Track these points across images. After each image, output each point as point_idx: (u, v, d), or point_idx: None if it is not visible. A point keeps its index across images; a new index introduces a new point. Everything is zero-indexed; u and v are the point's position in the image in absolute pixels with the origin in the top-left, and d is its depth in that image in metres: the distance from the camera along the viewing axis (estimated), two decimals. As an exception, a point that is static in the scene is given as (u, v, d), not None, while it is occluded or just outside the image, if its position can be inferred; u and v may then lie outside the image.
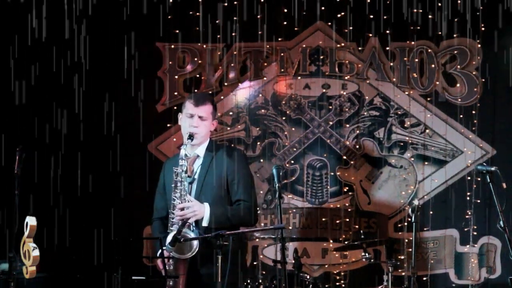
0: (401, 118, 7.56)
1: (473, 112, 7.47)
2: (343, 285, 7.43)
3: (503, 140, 7.39)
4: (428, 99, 7.53)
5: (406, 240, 7.33)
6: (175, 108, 7.47)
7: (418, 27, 7.44)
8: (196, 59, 7.61)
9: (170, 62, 7.60)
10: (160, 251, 5.60)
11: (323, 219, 7.52)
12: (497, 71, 7.41)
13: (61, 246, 7.09)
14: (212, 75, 7.61)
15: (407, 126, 7.55)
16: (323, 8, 7.48)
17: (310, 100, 7.61)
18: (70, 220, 7.20)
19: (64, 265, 7.04)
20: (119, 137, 7.45)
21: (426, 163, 7.53)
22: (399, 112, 7.56)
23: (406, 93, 7.56)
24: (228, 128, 7.60)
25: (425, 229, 7.43)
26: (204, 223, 5.70)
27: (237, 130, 7.61)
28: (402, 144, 7.55)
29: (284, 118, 7.59)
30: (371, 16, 7.44)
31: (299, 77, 7.61)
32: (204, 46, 7.57)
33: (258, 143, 7.59)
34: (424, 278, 7.38)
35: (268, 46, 7.57)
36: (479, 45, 7.47)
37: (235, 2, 7.45)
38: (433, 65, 7.54)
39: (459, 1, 7.35)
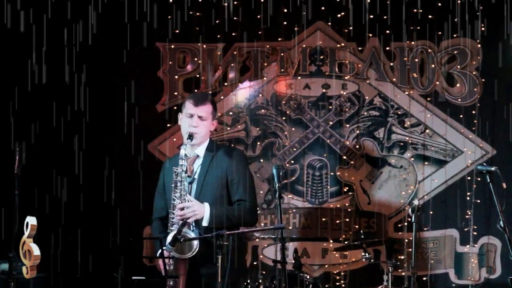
0: (401, 118, 7.56)
1: (473, 112, 7.48)
2: (343, 285, 7.43)
3: (503, 140, 7.39)
4: (428, 99, 7.53)
5: (406, 240, 7.33)
6: (175, 108, 7.48)
7: (418, 27, 7.44)
8: (196, 59, 7.61)
9: (170, 62, 7.60)
10: (160, 251, 5.60)
11: (323, 219, 7.52)
12: (497, 71, 7.40)
13: (61, 246, 7.09)
14: (212, 75, 7.61)
15: (407, 126, 7.55)
16: (323, 8, 7.48)
17: (310, 100, 7.61)
18: (71, 220, 7.20)
19: (64, 265, 7.04)
20: (119, 137, 7.46)
21: (426, 163, 7.53)
22: (399, 112, 7.56)
23: (406, 93, 7.56)
24: (228, 128, 7.60)
25: (425, 229, 7.43)
26: (204, 223, 5.70)
27: (237, 130, 7.61)
28: (402, 144, 7.55)
29: (284, 118, 7.59)
30: (371, 16, 7.44)
31: (299, 77, 7.61)
32: (204, 46, 7.57)
33: (258, 143, 7.59)
34: (424, 278, 7.38)
35: (268, 46, 7.57)
36: (479, 45, 7.47)
37: (235, 2, 7.45)
38: (433, 65, 7.54)
39: (459, 1, 7.35)
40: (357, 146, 7.55)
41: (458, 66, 7.54)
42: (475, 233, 7.39)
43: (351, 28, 7.50)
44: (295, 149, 7.59)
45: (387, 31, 7.47)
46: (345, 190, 7.53)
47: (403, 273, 7.12)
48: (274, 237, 7.45)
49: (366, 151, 7.56)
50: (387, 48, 7.55)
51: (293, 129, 7.59)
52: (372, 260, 6.83)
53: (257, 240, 7.50)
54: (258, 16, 7.45)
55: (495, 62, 7.40)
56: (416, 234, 6.48)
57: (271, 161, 7.54)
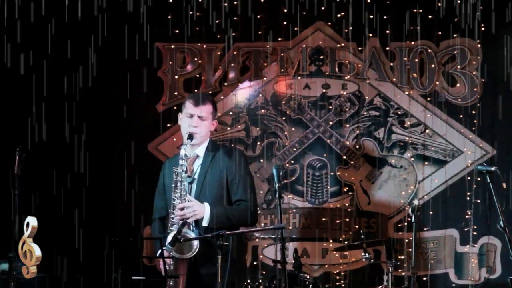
0: (401, 118, 7.56)
1: (473, 112, 7.48)
2: (343, 285, 7.43)
3: (503, 140, 7.39)
4: (428, 99, 7.53)
5: (406, 240, 7.33)
6: (175, 108, 7.47)
7: (418, 27, 7.44)
8: (196, 59, 7.61)
9: (170, 62, 7.60)
10: (160, 251, 5.60)
11: (323, 219, 7.52)
12: (497, 71, 7.40)
13: (61, 246, 7.09)
14: (212, 75, 7.61)
15: (407, 126, 7.55)
16: (323, 8, 7.48)
17: (310, 100, 7.61)
18: (70, 220, 7.20)
19: (64, 265, 7.04)
20: (119, 137, 7.46)
21: (426, 163, 7.53)
22: (399, 112, 7.56)
23: (406, 93, 7.56)
24: (228, 128, 7.60)
25: (425, 229, 7.43)
26: (204, 223, 5.70)
27: (237, 130, 7.61)
28: (402, 144, 7.55)
29: (284, 118, 7.59)
30: (371, 16, 7.44)
31: (299, 77, 7.61)
32: (204, 46, 7.57)
33: (258, 143, 7.59)
34: (424, 278, 7.38)
35: (268, 46, 7.57)
36: (479, 45, 7.47)
37: (235, 2, 7.45)
38: (433, 65, 7.54)
39: (459, 1, 7.35)
40: (357, 146, 7.55)
41: (458, 66, 7.54)
42: (475, 233, 7.39)
43: (351, 28, 7.50)
44: (295, 149, 7.59)
45: (387, 31, 7.47)
46: (345, 190, 7.53)
47: (403, 273, 7.12)
48: (274, 237, 7.45)
49: (366, 151, 7.56)
50: (387, 48, 7.55)
51: (293, 129, 7.59)
52: (372, 260, 6.83)
53: (257, 240, 7.50)
54: (258, 16, 7.45)
55: (495, 62, 7.40)
56: (416, 234, 6.47)
57: (271, 161, 7.54)
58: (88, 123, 7.35)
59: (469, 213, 7.39)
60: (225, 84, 7.62)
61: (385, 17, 7.43)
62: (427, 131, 7.54)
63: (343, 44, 7.57)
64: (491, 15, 7.30)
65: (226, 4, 7.47)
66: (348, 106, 7.58)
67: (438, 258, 7.47)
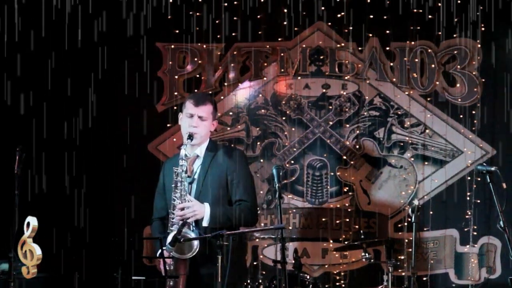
0: (401, 118, 7.56)
1: (473, 112, 7.47)
2: (343, 285, 7.43)
3: (503, 140, 7.39)
4: (428, 99, 7.53)
5: (406, 240, 7.33)
6: (175, 108, 7.48)
7: (418, 27, 7.44)
8: (196, 59, 7.61)
9: (170, 62, 7.60)
10: (160, 251, 5.60)
11: (323, 219, 7.52)
12: (497, 71, 7.40)
13: (61, 246, 7.09)
14: (212, 75, 7.61)
15: (407, 126, 7.55)
16: (323, 8, 7.48)
17: (310, 100, 7.61)
18: (70, 220, 7.19)
19: (64, 265, 7.04)
20: (119, 137, 7.46)
21: (426, 163, 7.52)
22: (399, 112, 7.56)
23: (406, 93, 7.56)
24: (228, 128, 7.60)
25: (425, 229, 7.43)
26: (204, 223, 5.70)
27: (237, 130, 7.61)
28: (402, 144, 7.55)
29: (284, 118, 7.59)
30: (371, 16, 7.44)
31: (299, 77, 7.61)
32: (204, 46, 7.57)
33: (258, 143, 7.58)
34: (424, 278, 7.38)
35: (268, 46, 7.57)
36: (479, 45, 7.47)
37: (235, 2, 7.46)
38: (433, 65, 7.53)
39: (459, 1, 7.35)
40: (357, 146, 7.55)
41: (458, 66, 7.53)
42: (475, 233, 7.39)
43: (351, 28, 7.50)
44: (295, 149, 7.59)
45: (387, 31, 7.47)
46: (345, 190, 7.53)
47: (403, 273, 7.12)
48: (274, 237, 7.45)
49: (366, 151, 7.56)
50: (387, 48, 7.55)
51: (293, 129, 7.59)
52: (372, 260, 6.82)
53: (257, 240, 7.50)
54: (258, 16, 7.45)
55: (495, 62, 7.40)
56: (416, 234, 6.47)
57: (271, 161, 7.54)
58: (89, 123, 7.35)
59: (469, 213, 7.39)
60: (225, 84, 7.62)
61: (385, 17, 7.43)
62: (427, 131, 7.54)
63: (343, 44, 7.57)
64: (491, 15, 7.29)
65: (226, 4, 7.47)
66: (348, 106, 7.58)
67: (438, 258, 7.47)
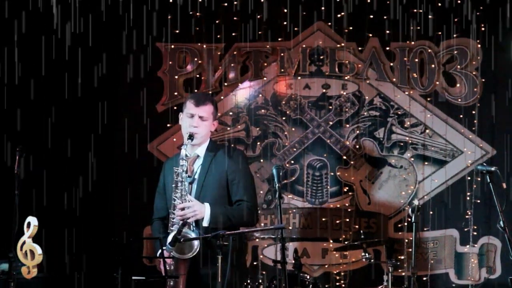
0: (401, 118, 7.56)
1: (473, 112, 7.48)
2: (343, 285, 7.43)
3: (503, 140, 7.39)
4: (428, 99, 7.53)
5: (406, 240, 7.33)
6: (175, 108, 7.48)
7: (418, 27, 7.44)
8: (196, 59, 7.61)
9: (170, 62, 7.60)
10: (160, 251, 5.60)
11: (323, 219, 7.52)
12: (497, 71, 7.40)
13: (61, 246, 7.09)
14: (212, 75, 7.61)
15: (407, 126, 7.55)
16: (323, 8, 7.48)
17: (310, 100, 7.61)
18: (70, 220, 7.20)
19: (64, 265, 7.04)
20: (119, 137, 7.46)
21: (426, 163, 7.52)
22: (399, 112, 7.56)
23: (406, 93, 7.56)
24: (228, 128, 7.59)
25: (425, 229, 7.43)
26: (205, 223, 5.70)
27: (237, 130, 7.61)
28: (402, 144, 7.55)
29: (284, 118, 7.59)
30: (371, 16, 7.44)
31: (299, 77, 7.61)
32: (204, 46, 7.57)
33: (258, 143, 7.58)
34: (424, 278, 7.38)
35: (268, 46, 7.57)
36: (479, 45, 7.47)
37: (235, 2, 7.45)
38: (433, 65, 7.53)
39: (459, 1, 7.35)
40: (357, 146, 7.55)
41: (458, 66, 7.54)
42: (475, 233, 7.39)
43: (351, 28, 7.50)
44: (295, 149, 7.59)
45: (387, 31, 7.47)
46: (345, 190, 7.53)
47: (403, 273, 7.12)
48: (274, 237, 7.45)
49: (366, 151, 7.56)
50: (387, 48, 7.55)
51: (293, 129, 7.59)
52: (372, 260, 6.82)
53: (257, 240, 7.50)
54: (258, 16, 7.46)
55: (495, 62, 7.40)
56: (416, 234, 6.47)
57: (271, 161, 7.54)
58: (88, 123, 7.36)
59: (469, 213, 7.39)
60: (225, 84, 7.62)
61: (385, 17, 7.43)
62: (427, 131, 7.54)
63: (343, 44, 7.57)
64: (491, 15, 7.29)
65: (226, 4, 7.47)
66: (348, 106, 7.58)
67: (438, 258, 7.47)
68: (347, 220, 7.48)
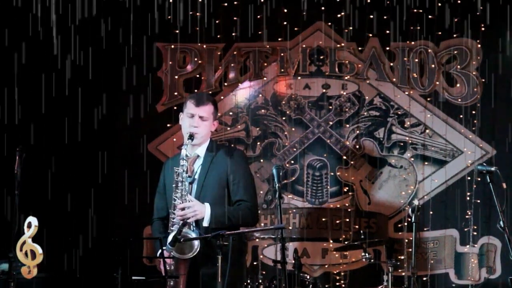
0: (401, 118, 7.56)
1: (473, 112, 7.48)
2: (343, 285, 7.43)
3: (503, 140, 7.39)
4: (428, 99, 7.53)
5: (406, 240, 7.33)
6: (175, 108, 7.48)
7: (418, 27, 7.44)
8: (196, 59, 7.61)
9: (170, 62, 7.60)
10: (160, 251, 5.60)
11: (323, 219, 7.52)
12: (497, 71, 7.40)
13: (61, 246, 7.09)
14: (212, 75, 7.61)
15: (407, 126, 7.55)
16: (323, 8, 7.48)
17: (310, 100, 7.61)
18: (70, 220, 7.20)
19: (64, 265, 7.04)
20: (119, 137, 7.46)
21: (426, 163, 7.52)
22: (399, 112, 7.56)
23: (406, 93, 7.56)
24: (228, 128, 7.59)
25: (425, 229, 7.43)
26: (205, 223, 5.69)
27: (237, 130, 7.61)
28: (402, 144, 7.55)
29: (284, 118, 7.59)
30: (371, 16, 7.44)
31: (299, 77, 7.61)
32: (204, 46, 7.57)
33: (258, 143, 7.58)
34: (424, 278, 7.38)
35: (268, 46, 7.57)
36: (479, 45, 7.47)
37: (235, 2, 7.46)
38: (433, 65, 7.54)
39: (459, 1, 7.35)
40: (357, 146, 7.55)
41: (458, 66, 7.54)
42: (475, 233, 7.39)
43: (351, 28, 7.50)
44: (295, 149, 7.59)
45: (387, 31, 7.47)
46: (345, 190, 7.53)
47: (403, 273, 7.12)
48: (274, 237, 7.45)
49: (366, 151, 7.56)
50: (387, 48, 7.55)
51: (293, 129, 7.59)
52: (372, 260, 6.82)
53: (257, 240, 7.50)
54: (258, 16, 7.45)
55: (495, 62, 7.40)
56: (416, 234, 6.47)
57: (271, 161, 7.54)
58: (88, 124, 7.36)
59: (469, 213, 7.39)
60: (225, 84, 7.62)
61: (385, 17, 7.43)
62: (427, 131, 7.54)
63: (343, 44, 7.57)
64: (491, 15, 7.29)
65: (226, 4, 7.47)
66: (348, 106, 7.58)
67: (438, 258, 7.47)
68: (347, 220, 7.48)
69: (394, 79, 7.56)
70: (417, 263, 6.77)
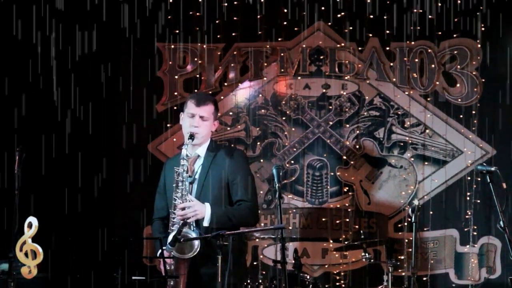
0: (401, 118, 7.56)
1: (473, 112, 7.48)
2: (343, 285, 7.43)
3: (503, 140, 7.39)
4: (428, 99, 7.53)
5: (406, 240, 7.33)
6: (175, 108, 7.48)
7: (418, 27, 7.44)
8: (196, 59, 7.61)
9: (170, 62, 7.60)
10: (160, 251, 5.60)
11: (323, 219, 7.52)
12: (497, 71, 7.40)
13: (61, 246, 7.09)
14: (212, 75, 7.61)
15: (407, 126, 7.55)
16: (323, 8, 7.48)
17: (310, 100, 7.61)
18: (70, 220, 7.20)
19: (64, 265, 7.04)
20: (119, 137, 7.46)
21: (426, 163, 7.52)
22: (399, 112, 7.56)
23: (406, 93, 7.56)
24: (228, 128, 7.60)
25: (425, 229, 7.43)
26: (205, 223, 5.69)
27: (237, 130, 7.61)
28: (402, 144, 7.55)
29: (284, 118, 7.59)
30: (371, 16, 7.44)
31: (299, 77, 7.61)
32: (204, 46, 7.57)
33: (258, 143, 7.58)
34: (424, 278, 7.37)
35: (268, 46, 7.57)
36: (479, 45, 7.47)
37: (235, 2, 7.45)
38: (433, 65, 7.54)
39: (459, 1, 7.35)
40: (357, 146, 7.55)
41: (458, 66, 7.54)
42: (475, 233, 7.39)
43: (351, 28, 7.50)
44: (295, 149, 7.59)
45: (387, 31, 7.47)
46: (345, 190, 7.53)
47: (403, 273, 7.12)
48: (274, 237, 7.45)
49: (366, 151, 7.56)
50: (387, 48, 7.55)
51: (293, 129, 7.59)
52: (372, 260, 6.82)
53: (257, 240, 7.50)
54: (258, 16, 7.45)
55: (495, 62, 7.40)
56: (416, 234, 6.47)
57: (271, 161, 7.54)
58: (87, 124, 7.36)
59: (469, 213, 7.39)
60: (225, 84, 7.62)
61: (385, 17, 7.43)
62: (427, 131, 7.54)
63: (343, 44, 7.57)
64: (491, 15, 7.29)
65: (226, 4, 7.47)
66: (348, 106, 7.58)
67: (438, 258, 7.47)
68: (347, 220, 7.48)
69: (394, 79, 7.56)
70: (417, 263, 6.78)
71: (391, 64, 7.56)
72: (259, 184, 7.41)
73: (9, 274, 5.21)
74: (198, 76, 7.61)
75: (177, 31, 7.49)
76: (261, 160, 7.57)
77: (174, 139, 7.46)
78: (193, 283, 5.67)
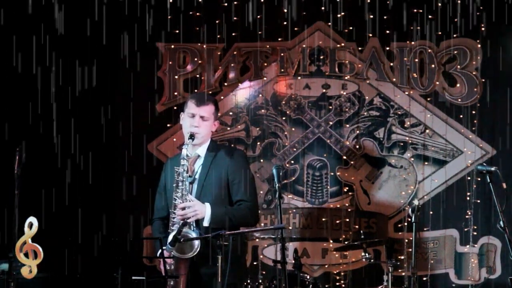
0: (401, 118, 7.56)
1: (473, 112, 7.47)
2: (343, 285, 7.43)
3: (503, 140, 7.39)
4: (428, 99, 7.53)
5: (406, 240, 7.33)
6: (175, 108, 7.48)
7: (418, 27, 7.44)
8: (196, 59, 7.61)
9: (170, 62, 7.60)
10: (160, 251, 5.60)
11: (323, 219, 7.52)
12: (497, 71, 7.40)
13: (61, 246, 7.09)
14: (212, 75, 7.61)
15: (407, 126, 7.55)
16: (323, 8, 7.48)
17: (310, 100, 7.61)
18: (70, 220, 7.20)
19: (64, 265, 7.04)
20: (119, 137, 7.46)
21: (426, 163, 7.52)
22: (399, 112, 7.56)
23: (406, 93, 7.56)
24: (228, 128, 7.59)
25: (425, 229, 7.43)
26: (205, 223, 5.70)
27: (237, 130, 7.61)
28: (402, 144, 7.55)
29: (284, 118, 7.59)
30: (371, 16, 7.44)
31: (299, 77, 7.61)
32: (204, 46, 7.57)
33: (258, 143, 7.58)
34: (424, 278, 7.37)
35: (268, 46, 7.57)
36: (479, 45, 7.47)
37: (235, 2, 7.45)
38: (433, 65, 7.53)
39: (459, 1, 7.35)
40: (357, 146, 7.55)
41: (458, 66, 7.54)
42: (475, 233, 7.39)
43: (351, 28, 7.50)
44: (295, 149, 7.59)
45: (387, 31, 7.47)
46: (345, 190, 7.53)
47: (403, 273, 7.12)
48: (274, 237, 7.45)
49: (366, 151, 7.56)
50: (387, 48, 7.55)
51: (293, 129, 7.59)
52: (372, 260, 6.82)
53: (257, 240, 7.50)
54: (258, 16, 7.45)
55: (495, 62, 7.40)
56: (416, 234, 6.47)
57: (271, 161, 7.54)
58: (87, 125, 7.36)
59: (469, 213, 7.39)
60: (225, 84, 7.62)
61: (385, 17, 7.43)
62: (427, 131, 7.54)
63: (343, 44, 7.57)
64: (491, 15, 7.29)
65: (225, 4, 7.47)
66: (348, 106, 7.58)
67: (438, 258, 7.47)
68: (347, 220, 7.48)
69: (394, 79, 7.56)
70: (417, 263, 6.78)
71: (391, 64, 7.56)
72: (259, 184, 7.41)
73: (9, 274, 5.21)
74: (198, 76, 7.61)
75: (177, 31, 7.49)
76: (261, 160, 7.57)
77: (174, 139, 7.46)
78: (193, 283, 5.68)
